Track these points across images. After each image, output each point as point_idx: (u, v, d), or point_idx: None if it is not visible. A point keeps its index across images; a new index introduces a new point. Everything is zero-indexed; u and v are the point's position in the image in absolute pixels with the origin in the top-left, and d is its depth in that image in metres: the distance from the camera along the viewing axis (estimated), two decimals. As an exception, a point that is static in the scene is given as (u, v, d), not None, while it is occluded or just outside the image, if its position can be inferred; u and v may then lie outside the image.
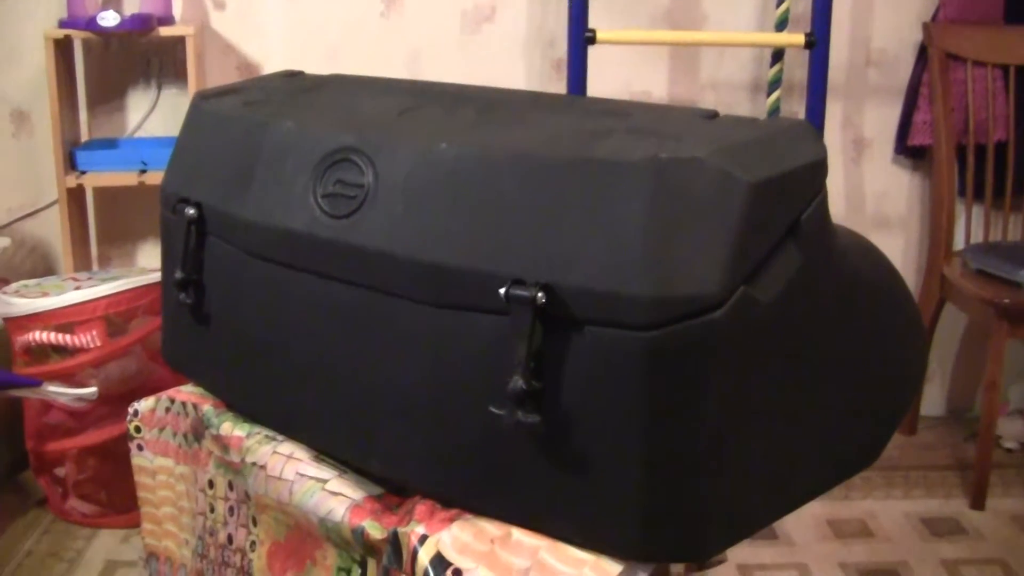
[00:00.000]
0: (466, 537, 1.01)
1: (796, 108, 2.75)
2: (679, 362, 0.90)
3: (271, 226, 1.12)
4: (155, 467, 1.37)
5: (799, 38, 2.40)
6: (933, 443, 2.81)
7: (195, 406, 1.30)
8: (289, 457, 1.16)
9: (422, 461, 1.05)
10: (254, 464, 1.18)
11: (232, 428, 1.23)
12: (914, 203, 2.85)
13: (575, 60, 2.36)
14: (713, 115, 1.06)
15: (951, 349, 2.95)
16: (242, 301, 1.19)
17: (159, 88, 2.69)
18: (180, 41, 2.59)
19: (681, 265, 0.89)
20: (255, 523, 1.23)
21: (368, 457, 1.10)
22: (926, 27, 2.64)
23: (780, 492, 1.05)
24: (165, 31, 2.45)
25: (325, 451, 1.17)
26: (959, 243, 2.74)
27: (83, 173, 2.48)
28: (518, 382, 0.93)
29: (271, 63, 2.69)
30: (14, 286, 2.31)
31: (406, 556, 1.01)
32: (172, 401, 1.33)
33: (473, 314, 0.98)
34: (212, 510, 1.29)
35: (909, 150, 2.78)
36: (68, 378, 2.19)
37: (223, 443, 1.24)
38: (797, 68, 2.72)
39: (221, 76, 2.68)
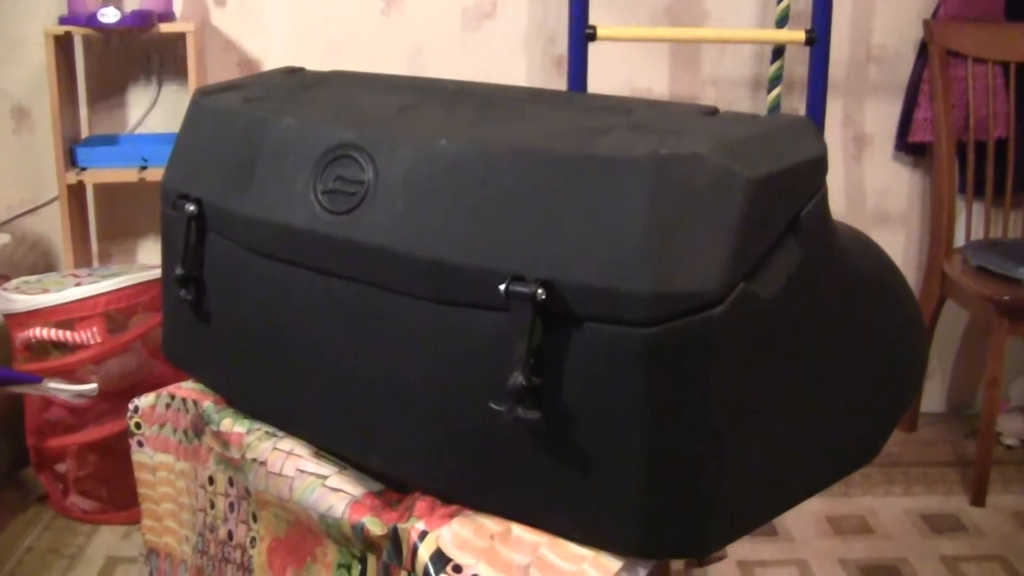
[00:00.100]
0: (466, 533, 1.01)
1: (797, 104, 2.75)
2: (679, 358, 0.90)
3: (271, 222, 1.12)
4: (155, 463, 1.37)
5: (800, 35, 2.40)
6: (933, 440, 2.81)
7: (195, 402, 1.30)
8: (289, 453, 1.16)
9: (422, 457, 1.05)
10: (254, 460, 1.19)
11: (232, 424, 1.23)
12: (914, 200, 2.85)
13: (576, 57, 2.35)
14: (713, 111, 1.06)
15: (951, 346, 2.95)
16: (242, 297, 1.19)
17: (159, 84, 2.69)
18: (181, 37, 2.59)
19: (681, 261, 0.89)
20: (255, 519, 1.23)
21: (368, 453, 1.10)
22: (927, 24, 2.64)
23: (780, 488, 1.06)
24: (166, 27, 2.44)
25: (325, 447, 1.17)
26: (959, 240, 2.73)
27: (83, 169, 2.48)
28: (518, 378, 0.93)
29: (272, 60, 2.69)
30: (14, 282, 2.31)
31: (406, 552, 1.01)
32: (172, 397, 1.33)
33: (473, 310, 0.98)
34: (212, 506, 1.29)
35: (910, 147, 2.78)
36: (68, 374, 2.19)
37: (223, 439, 1.24)
38: (798, 65, 2.72)
39: (222, 72, 2.68)
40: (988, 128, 2.63)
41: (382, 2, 2.67)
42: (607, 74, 2.73)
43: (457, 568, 0.97)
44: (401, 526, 1.03)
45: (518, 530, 1.01)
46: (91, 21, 2.38)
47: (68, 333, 2.20)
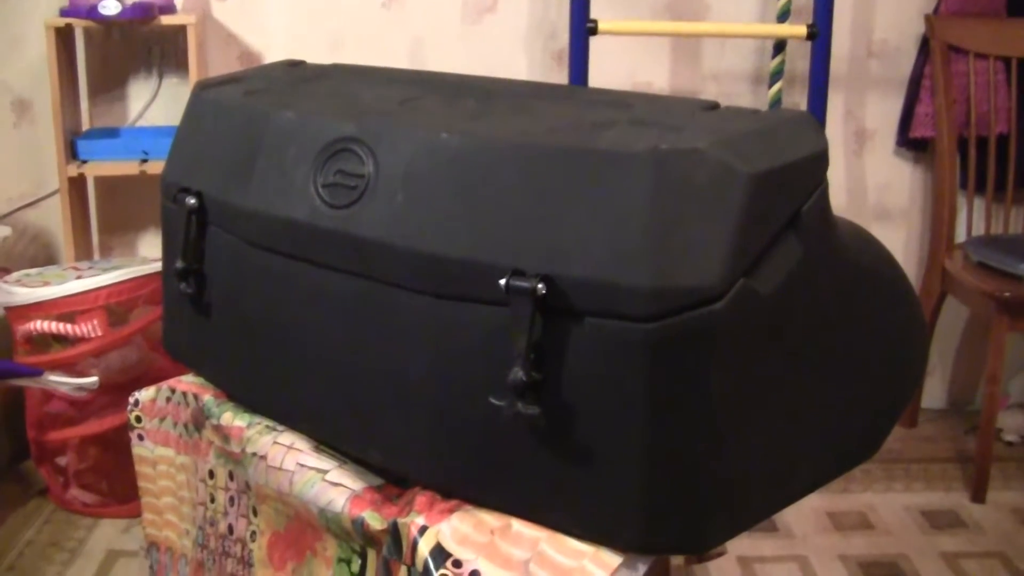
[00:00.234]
0: (466, 528, 1.01)
1: (798, 99, 2.75)
2: (679, 354, 0.90)
3: (272, 216, 1.12)
4: (156, 457, 1.37)
5: (801, 29, 2.39)
6: (934, 436, 2.81)
7: (196, 396, 1.30)
8: (289, 448, 1.16)
9: (422, 452, 1.05)
10: (254, 454, 1.19)
11: (232, 418, 1.23)
12: (915, 195, 2.85)
13: (576, 51, 2.35)
14: (714, 106, 1.05)
15: (952, 342, 2.95)
16: (243, 291, 1.19)
17: (160, 77, 2.69)
18: (181, 30, 2.58)
19: (681, 257, 0.89)
20: (255, 513, 1.23)
21: (368, 447, 1.10)
22: (928, 19, 2.64)
23: (780, 484, 1.05)
24: (166, 20, 2.44)
25: (325, 441, 1.17)
26: (960, 236, 2.73)
27: (84, 162, 2.48)
28: (518, 373, 0.93)
29: (272, 53, 2.69)
30: (15, 275, 2.31)
31: (406, 547, 1.01)
32: (173, 391, 1.33)
33: (473, 305, 0.98)
34: (212, 500, 1.29)
35: (911, 142, 2.77)
36: (69, 367, 2.20)
37: (223, 433, 1.24)
38: (799, 59, 2.71)
39: (222, 65, 2.68)
40: (989, 124, 2.63)
41: (383, -4, 2.67)
42: (608, 68, 2.73)
43: (457, 563, 0.97)
44: (401, 521, 1.03)
45: (518, 525, 1.01)
46: (92, 13, 2.37)
47: (69, 326, 2.20)
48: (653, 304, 0.89)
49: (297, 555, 1.17)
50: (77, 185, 2.56)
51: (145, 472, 1.39)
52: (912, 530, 2.31)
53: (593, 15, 2.38)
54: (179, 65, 2.68)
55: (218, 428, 1.25)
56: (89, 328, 2.20)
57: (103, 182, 2.72)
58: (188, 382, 1.33)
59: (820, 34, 2.39)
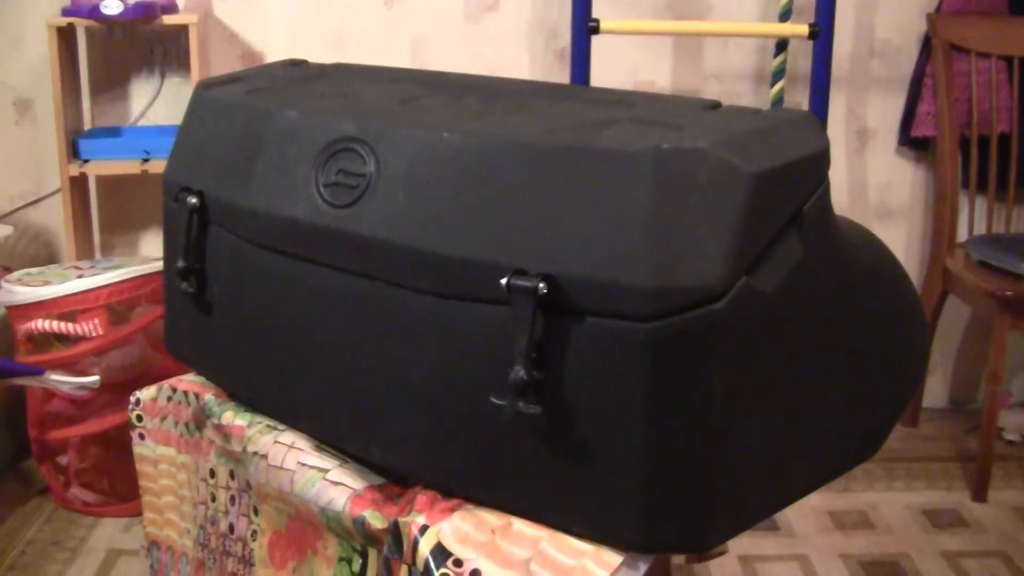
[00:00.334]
0: (467, 527, 1.01)
1: (800, 98, 2.75)
2: (680, 353, 0.90)
3: (273, 215, 1.12)
4: (157, 456, 1.37)
5: (803, 28, 2.39)
6: (935, 435, 2.81)
7: (197, 395, 1.30)
8: (290, 447, 1.16)
9: (423, 450, 1.05)
10: (255, 453, 1.19)
11: (233, 417, 1.23)
12: (917, 195, 2.84)
13: (579, 50, 2.35)
14: (715, 105, 1.05)
15: (954, 341, 2.95)
16: (244, 290, 1.19)
17: (162, 76, 2.69)
18: (183, 29, 2.58)
19: (683, 256, 0.89)
20: (256, 512, 1.23)
21: (369, 446, 1.10)
22: (930, 18, 2.64)
23: (781, 483, 1.05)
24: (168, 19, 2.44)
25: (326, 440, 1.17)
26: (962, 235, 2.73)
27: (86, 161, 2.48)
28: (519, 372, 0.93)
29: (274, 52, 2.69)
30: (17, 274, 2.31)
31: (407, 546, 1.01)
32: (174, 390, 1.33)
33: (475, 304, 0.98)
34: (213, 499, 1.29)
35: (912, 141, 2.77)
36: (70, 366, 2.20)
37: (224, 432, 1.24)
38: (801, 58, 2.71)
39: (224, 65, 2.68)
40: (991, 123, 2.63)
41: (385, -5, 2.67)
42: (610, 67, 2.73)
43: (458, 562, 0.97)
44: (402, 520, 1.03)
45: (519, 524, 1.01)
46: (94, 12, 2.37)
47: (70, 325, 2.20)
48: (654, 303, 0.89)
49: (298, 554, 1.17)
50: (78, 184, 2.56)
51: (146, 471, 1.39)
52: (913, 529, 2.31)
53: (595, 14, 2.38)
54: (181, 64, 2.68)
55: (219, 427, 1.25)
56: (90, 327, 2.20)
57: (104, 181, 2.72)
58: (189, 381, 1.33)
59: (822, 33, 2.39)
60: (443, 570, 0.97)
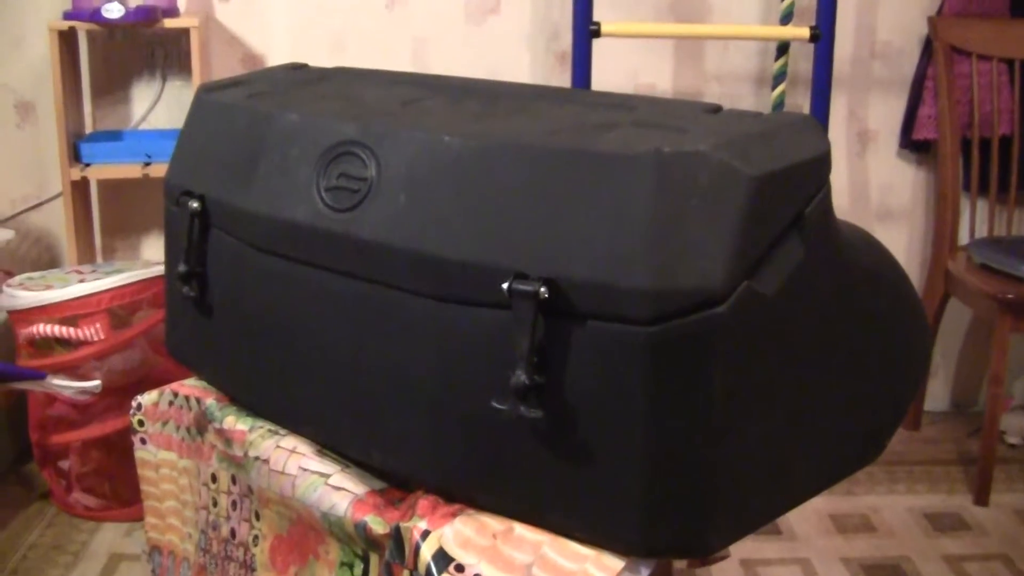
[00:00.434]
0: (468, 532, 1.01)
1: (801, 101, 2.75)
2: (682, 356, 0.90)
3: (275, 219, 1.12)
4: (158, 461, 1.37)
5: (804, 31, 2.39)
6: (937, 438, 2.81)
7: (198, 400, 1.30)
8: (292, 452, 1.16)
9: (424, 454, 1.05)
10: (257, 458, 1.18)
11: (235, 422, 1.23)
12: (918, 197, 2.84)
13: (580, 53, 2.35)
14: (716, 109, 1.05)
15: (955, 344, 2.95)
16: (245, 294, 1.19)
17: (163, 80, 2.69)
18: (185, 33, 2.58)
19: (684, 259, 0.89)
20: (258, 517, 1.23)
21: (370, 450, 1.10)
22: (931, 20, 2.64)
23: (783, 487, 1.05)
24: (170, 23, 2.44)
25: (327, 444, 1.17)
26: (963, 238, 2.73)
27: (87, 165, 2.48)
28: (520, 376, 0.93)
29: (275, 55, 2.69)
30: (18, 279, 2.31)
31: (408, 551, 1.01)
32: (175, 395, 1.33)
33: (476, 307, 0.98)
34: (215, 504, 1.29)
35: (914, 144, 2.77)
36: (72, 371, 2.20)
37: (226, 437, 1.24)
38: (802, 60, 2.71)
39: (225, 68, 2.68)
40: (992, 125, 2.63)
41: (386, -2, 2.67)
42: (611, 69, 2.73)
43: (459, 567, 0.97)
44: (404, 525, 1.03)
45: (520, 529, 1.01)
46: (95, 16, 2.38)
47: (71, 329, 2.20)
48: (655, 306, 0.89)
49: (300, 559, 1.17)
50: (80, 188, 2.56)
51: (147, 476, 1.39)
52: (915, 532, 2.31)
53: (596, 17, 2.38)
54: (182, 68, 2.68)
55: (221, 432, 1.25)
56: (92, 331, 2.20)
57: (106, 185, 2.72)
58: (191, 386, 1.33)
59: (823, 36, 2.39)
60: (445, 575, 0.97)
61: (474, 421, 1.00)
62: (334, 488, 1.10)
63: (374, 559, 1.08)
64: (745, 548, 2.23)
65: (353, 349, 1.08)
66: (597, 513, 0.96)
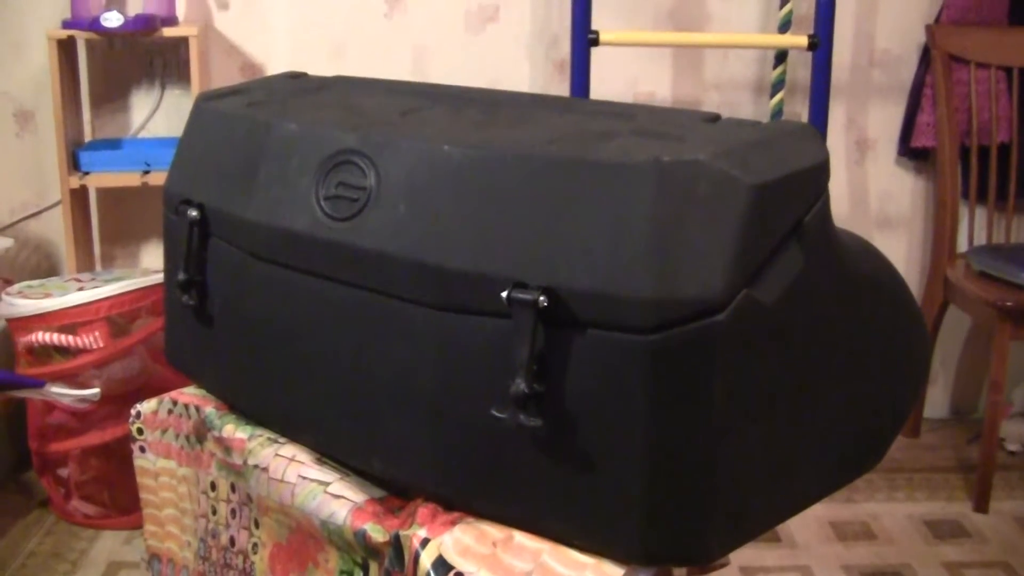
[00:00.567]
0: (468, 540, 1.01)
1: (799, 109, 2.75)
2: (681, 365, 0.90)
3: (274, 228, 1.12)
4: (157, 469, 1.37)
5: (802, 40, 2.39)
6: (936, 445, 2.81)
7: (197, 408, 1.30)
8: (291, 460, 1.16)
9: (424, 462, 1.05)
10: (256, 466, 1.18)
11: (234, 430, 1.23)
12: (917, 205, 2.85)
13: (579, 61, 2.35)
14: (715, 118, 1.05)
15: (954, 351, 2.95)
16: (245, 302, 1.19)
17: (163, 88, 2.69)
18: (184, 41, 2.58)
19: (684, 268, 0.89)
20: (257, 525, 1.23)
21: (370, 458, 1.10)
22: (929, 29, 2.64)
23: (783, 495, 1.05)
24: (169, 31, 2.45)
25: (327, 452, 1.17)
26: (962, 245, 2.73)
27: (86, 174, 2.48)
28: (520, 385, 0.93)
29: (275, 64, 2.69)
30: (17, 287, 2.31)
31: (408, 559, 1.01)
32: (174, 403, 1.33)
33: (476, 316, 0.98)
34: (214, 512, 1.29)
35: (912, 152, 2.77)
36: (71, 379, 2.19)
37: (225, 445, 1.24)
38: (801, 69, 2.72)
39: (225, 77, 2.68)
40: (991, 132, 2.63)
41: (385, 5, 2.67)
42: (610, 77, 2.73)
43: (459, 575, 0.97)
44: (403, 533, 1.03)
45: (520, 537, 1.01)
46: (94, 25, 2.38)
47: (70, 337, 2.20)
48: (655, 315, 0.89)
49: (299, 567, 1.17)
50: (79, 196, 2.56)
51: (147, 484, 1.39)
52: (915, 540, 2.30)
53: (595, 25, 2.38)
54: (181, 76, 2.68)
55: (220, 440, 1.25)
56: (91, 339, 2.20)
57: (105, 193, 2.72)
58: (190, 394, 1.33)
59: (821, 44, 2.39)
60: (444, 583, 0.97)
61: (474, 429, 1.00)
62: (333, 496, 1.10)
63: (374, 567, 1.08)
64: (745, 555, 2.23)
65: (353, 357, 1.08)
66: (597, 521, 0.96)
